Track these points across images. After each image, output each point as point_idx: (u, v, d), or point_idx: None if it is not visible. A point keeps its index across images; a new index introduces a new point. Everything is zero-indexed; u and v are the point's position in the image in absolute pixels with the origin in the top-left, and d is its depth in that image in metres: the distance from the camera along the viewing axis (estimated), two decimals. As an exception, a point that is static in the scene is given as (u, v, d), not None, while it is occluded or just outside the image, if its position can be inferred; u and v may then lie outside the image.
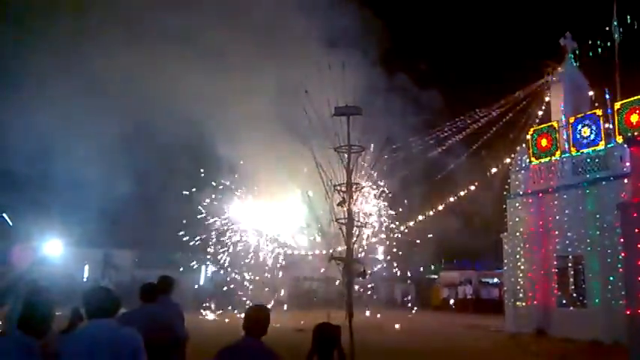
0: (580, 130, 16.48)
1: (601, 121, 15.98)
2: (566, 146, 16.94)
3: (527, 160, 18.20)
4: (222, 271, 23.01)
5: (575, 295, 16.22)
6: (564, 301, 16.34)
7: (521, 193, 18.14)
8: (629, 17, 17.38)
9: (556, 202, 16.83)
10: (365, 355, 7.79)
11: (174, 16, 19.07)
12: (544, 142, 17.60)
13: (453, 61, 48.87)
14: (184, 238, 22.43)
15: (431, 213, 21.37)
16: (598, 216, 15.27)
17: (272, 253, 22.42)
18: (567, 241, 16.26)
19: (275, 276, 22.57)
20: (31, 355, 3.36)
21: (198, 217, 21.76)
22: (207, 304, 22.59)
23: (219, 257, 22.25)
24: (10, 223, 25.37)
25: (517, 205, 18.20)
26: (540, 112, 19.03)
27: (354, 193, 7.82)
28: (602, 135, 15.86)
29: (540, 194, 17.37)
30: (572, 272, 16.38)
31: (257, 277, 22.06)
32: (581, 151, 16.43)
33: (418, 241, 23.80)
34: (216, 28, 19.02)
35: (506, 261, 18.37)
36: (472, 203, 22.30)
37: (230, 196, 22.29)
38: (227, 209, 22.31)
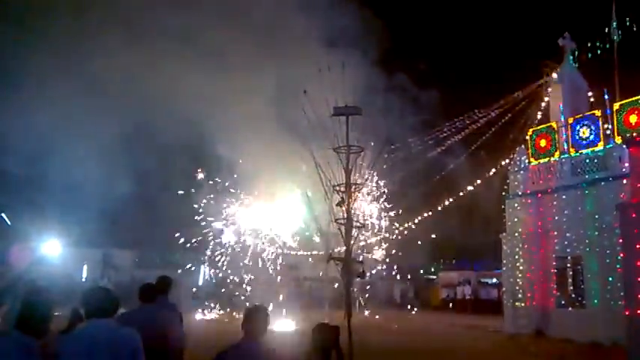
0: (579, 130, 16.50)
1: (600, 122, 16.01)
2: (565, 147, 16.95)
3: (526, 161, 18.22)
4: (220, 273, 22.99)
5: (574, 295, 16.23)
6: (563, 302, 16.35)
7: (520, 193, 18.16)
8: (628, 17, 17.42)
9: (555, 203, 16.84)
10: (363, 356, 7.79)
11: (174, 16, 19.06)
12: (543, 143, 17.63)
13: (452, 61, 48.92)
14: (181, 240, 22.45)
15: (430, 213, 21.40)
16: (597, 217, 15.29)
17: (271, 253, 22.41)
18: (566, 242, 16.28)
19: (274, 276, 22.55)
20: (30, 355, 3.36)
21: (197, 218, 21.76)
22: (207, 305, 22.58)
23: (217, 258, 22.24)
24: (9, 223, 25.34)
25: (516, 205, 18.22)
26: (539, 113, 19.06)
27: (353, 193, 7.82)
28: (601, 136, 15.88)
29: (539, 195, 17.39)
30: (571, 273, 16.39)
31: (255, 277, 22.04)
32: (580, 151, 16.45)
33: (420, 243, 23.82)
34: (216, 28, 19.00)
35: (505, 261, 18.38)
36: (471, 204, 22.34)
37: (229, 196, 22.28)
38: (226, 209, 22.31)
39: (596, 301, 15.07)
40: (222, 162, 21.90)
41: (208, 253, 22.42)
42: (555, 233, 16.67)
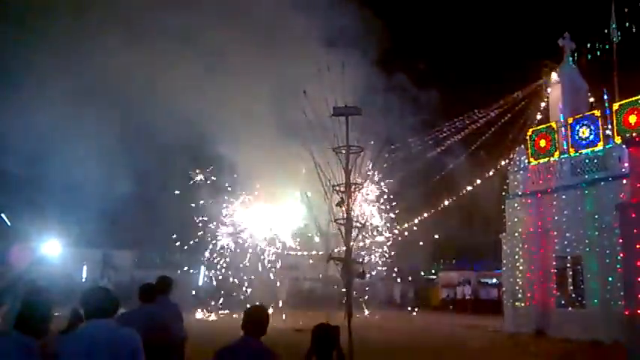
0: (579, 130, 16.50)
1: (600, 122, 16.02)
2: (565, 147, 16.96)
3: (526, 161, 18.22)
4: (220, 273, 22.99)
5: (573, 295, 16.24)
6: (563, 302, 16.36)
7: (520, 193, 18.16)
8: (627, 18, 17.42)
9: (555, 203, 16.85)
10: (364, 356, 7.79)
11: (174, 16, 19.06)
12: (543, 143, 17.63)
13: (452, 61, 48.90)
14: (180, 241, 22.45)
15: (430, 213, 21.40)
16: (597, 216, 15.30)
17: (271, 253, 22.41)
18: (566, 242, 16.28)
19: (274, 276, 22.56)
20: (30, 355, 3.36)
21: (197, 218, 21.75)
22: (207, 305, 22.58)
23: (217, 259, 22.23)
24: (9, 223, 25.32)
25: (516, 205, 18.22)
26: (539, 113, 19.06)
27: (353, 193, 7.82)
28: (601, 136, 15.89)
29: (539, 195, 17.39)
30: (570, 273, 16.40)
31: (255, 278, 22.04)
32: (579, 151, 16.46)
33: (421, 243, 23.80)
34: (216, 28, 19.01)
35: (505, 261, 18.38)
36: (471, 204, 22.34)
37: (229, 196, 22.29)
38: (226, 209, 22.31)
39: (596, 300, 15.08)
40: (221, 162, 21.92)
41: (208, 253, 22.44)
42: (555, 233, 16.67)
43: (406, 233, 22.18)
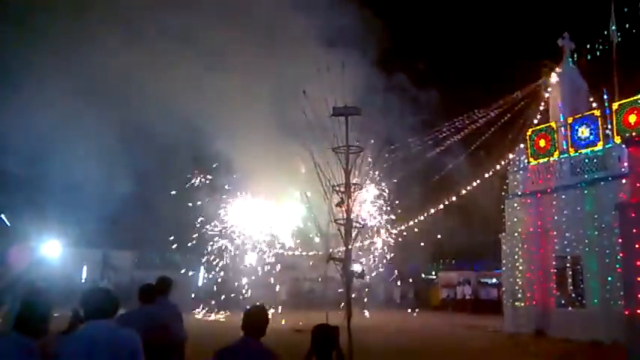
0: (578, 130, 16.51)
1: (599, 122, 16.02)
2: (565, 147, 16.96)
3: (526, 161, 18.22)
4: (220, 273, 22.98)
5: (573, 295, 16.24)
6: (563, 302, 16.36)
7: (519, 193, 18.17)
8: (626, 16, 17.43)
9: (554, 203, 16.85)
10: (363, 356, 7.79)
11: (174, 16, 19.06)
12: (542, 143, 17.63)
13: (451, 61, 48.91)
14: (177, 243, 22.42)
15: (429, 213, 21.39)
16: (596, 216, 15.30)
17: (270, 253, 22.41)
18: (566, 242, 16.29)
19: (274, 277, 22.56)
20: (30, 356, 3.37)
21: (196, 218, 21.74)
22: (207, 305, 22.58)
23: (216, 260, 22.22)
24: (8, 224, 25.31)
25: (515, 205, 18.23)
26: (539, 113, 19.07)
27: (353, 193, 7.82)
28: (601, 135, 15.90)
29: (539, 195, 17.40)
30: (570, 272, 16.41)
31: (255, 278, 22.04)
32: (579, 151, 16.46)
33: (423, 244, 23.80)
34: (216, 28, 19.02)
35: (504, 261, 18.38)
36: (471, 204, 22.34)
37: (228, 196, 22.28)
38: (225, 210, 22.30)
39: (595, 300, 15.08)
40: (221, 162, 21.91)
41: (207, 254, 22.43)
42: (555, 233, 16.68)
43: (405, 234, 22.18)
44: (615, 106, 15.52)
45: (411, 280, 32.00)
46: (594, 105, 17.47)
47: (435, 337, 16.74)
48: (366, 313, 21.66)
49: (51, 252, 26.44)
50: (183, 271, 24.65)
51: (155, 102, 18.45)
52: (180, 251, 24.39)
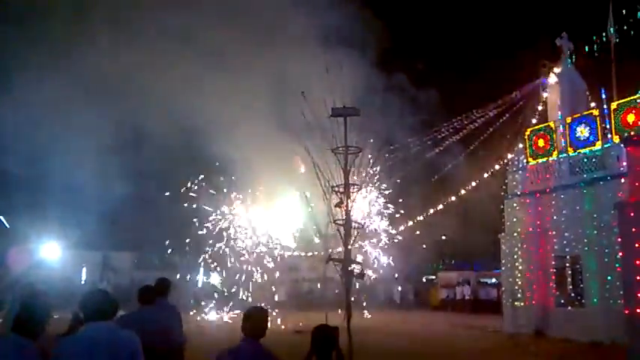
0: (577, 130, 16.51)
1: (598, 121, 16.03)
2: (564, 146, 16.97)
3: (525, 161, 18.22)
4: (220, 274, 22.96)
5: (573, 295, 16.23)
6: (562, 301, 16.35)
7: (518, 193, 18.17)
8: (625, 17, 17.45)
9: (553, 202, 16.85)
10: (363, 356, 7.79)
11: (174, 16, 19.07)
12: (541, 143, 17.63)
13: (450, 61, 48.96)
14: (177, 244, 22.40)
15: (429, 213, 21.40)
16: (595, 216, 15.30)
17: (270, 254, 22.37)
18: (565, 241, 16.28)
19: (273, 277, 22.52)
20: (28, 357, 3.37)
21: (196, 219, 21.72)
22: (206, 306, 22.56)
23: (216, 260, 22.18)
24: (7, 225, 25.31)
25: (514, 205, 18.23)
26: (537, 113, 19.08)
27: (352, 194, 7.82)
28: (599, 135, 15.90)
29: (538, 194, 17.40)
30: (569, 272, 16.39)
31: (255, 279, 22.02)
32: (578, 151, 16.46)
33: (424, 246, 23.79)
34: (216, 28, 19.02)
35: (504, 261, 18.38)
36: (470, 204, 22.35)
37: (228, 197, 22.25)
38: (224, 211, 22.27)
39: (595, 300, 15.08)
40: (221, 163, 21.89)
41: (207, 254, 22.40)
42: (554, 233, 16.68)
43: (402, 236, 22.17)
44: (614, 105, 15.53)
45: (409, 277, 31.95)
46: (593, 104, 17.49)
47: (435, 337, 16.73)
48: (366, 314, 21.65)
49: (50, 254, 26.45)
50: (187, 268, 24.61)
51: (155, 102, 18.47)
52: (179, 252, 24.36)
